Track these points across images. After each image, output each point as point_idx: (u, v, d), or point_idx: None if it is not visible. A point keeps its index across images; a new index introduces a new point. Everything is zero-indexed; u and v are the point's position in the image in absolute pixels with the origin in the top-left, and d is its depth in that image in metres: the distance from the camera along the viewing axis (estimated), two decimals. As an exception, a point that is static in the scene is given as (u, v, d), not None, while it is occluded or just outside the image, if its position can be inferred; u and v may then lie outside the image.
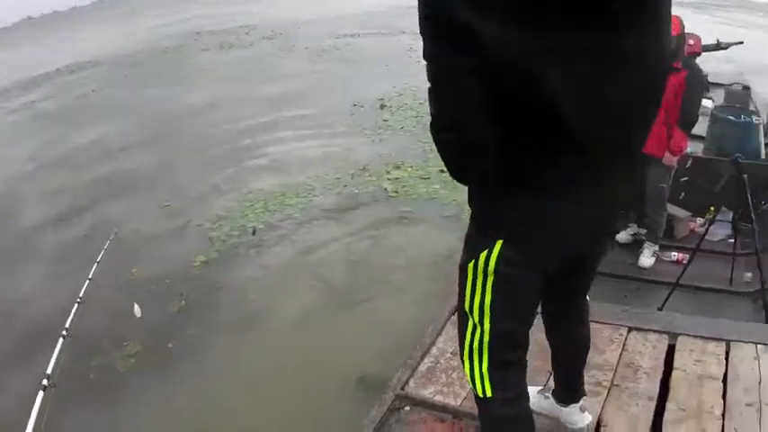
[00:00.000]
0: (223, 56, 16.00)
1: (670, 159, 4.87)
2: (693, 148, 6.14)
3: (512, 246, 1.74)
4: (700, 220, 5.77)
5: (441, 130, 1.61)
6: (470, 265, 1.79)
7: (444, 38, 1.45)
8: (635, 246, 5.54)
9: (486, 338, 1.86)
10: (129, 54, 16.52)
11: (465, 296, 1.85)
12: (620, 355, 3.23)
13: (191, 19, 22.39)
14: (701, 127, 6.23)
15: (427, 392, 2.88)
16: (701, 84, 4.93)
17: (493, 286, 1.79)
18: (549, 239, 1.78)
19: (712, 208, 5.41)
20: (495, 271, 1.76)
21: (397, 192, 7.21)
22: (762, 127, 6.13)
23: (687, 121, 4.77)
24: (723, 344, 3.23)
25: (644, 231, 5.46)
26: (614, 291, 4.95)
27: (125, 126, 10.36)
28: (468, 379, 1.95)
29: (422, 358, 3.11)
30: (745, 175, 4.11)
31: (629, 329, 3.40)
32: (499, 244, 1.74)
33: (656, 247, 5.35)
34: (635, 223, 5.58)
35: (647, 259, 5.34)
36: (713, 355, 3.16)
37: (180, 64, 15.29)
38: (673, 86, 4.52)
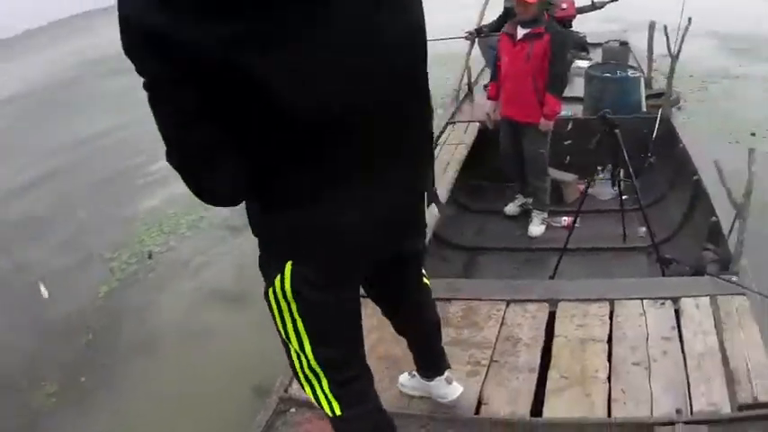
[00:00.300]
0: (128, 81, 15.10)
1: (546, 124, 4.72)
2: (574, 110, 5.97)
3: (302, 266, 1.59)
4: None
5: (167, 151, 1.40)
6: (270, 293, 1.65)
7: (144, 51, 1.25)
8: (524, 216, 5.37)
9: (314, 364, 1.73)
10: (34, 90, 15.65)
11: (277, 325, 1.71)
12: (499, 330, 2.98)
13: (93, 47, 21.41)
14: (580, 88, 6.11)
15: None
16: (566, 46, 4.82)
17: (299, 312, 1.65)
18: (338, 253, 1.61)
19: (599, 167, 5.18)
20: (295, 295, 1.61)
21: None
22: (642, 80, 5.97)
23: (556, 85, 4.62)
24: (606, 304, 3.01)
25: (531, 200, 5.22)
26: (505, 264, 4.82)
27: (23, 165, 10.03)
28: (314, 401, 1.82)
29: None
30: (618, 131, 3.85)
31: (508, 303, 3.14)
32: (289, 266, 1.59)
33: (545, 215, 5.20)
34: (520, 194, 5.34)
35: (536, 228, 5.17)
36: (596, 317, 2.92)
37: (81, 94, 14.62)
38: (537, 52, 4.47)
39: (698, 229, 4.15)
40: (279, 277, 1.60)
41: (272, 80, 1.28)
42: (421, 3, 1.53)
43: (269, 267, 1.64)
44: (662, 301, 2.91)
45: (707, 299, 2.87)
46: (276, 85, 1.29)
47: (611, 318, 2.88)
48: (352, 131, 1.44)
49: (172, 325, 5.32)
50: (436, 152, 5.45)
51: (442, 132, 5.92)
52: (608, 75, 5.80)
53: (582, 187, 5.39)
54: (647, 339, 2.70)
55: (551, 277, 4.26)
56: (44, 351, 5.10)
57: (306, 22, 1.28)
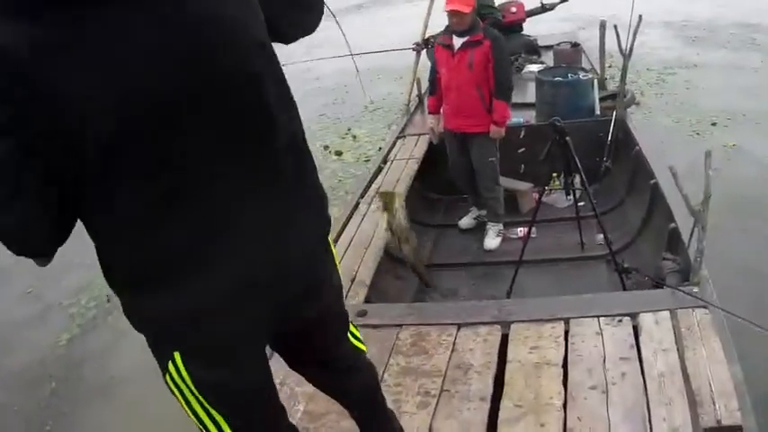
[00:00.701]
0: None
1: (497, 131, 4.61)
2: (526, 116, 5.85)
3: (185, 350, 1.40)
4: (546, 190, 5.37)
5: None
6: (168, 380, 1.46)
7: None
8: (479, 229, 5.22)
9: None
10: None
11: (187, 412, 1.53)
12: (450, 356, 2.79)
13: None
14: (532, 94, 6.00)
15: None
16: (507, 50, 4.78)
17: (202, 394, 1.47)
18: (208, 336, 1.41)
19: (555, 175, 5.04)
20: (193, 379, 1.43)
21: None
22: (595, 82, 5.86)
23: (503, 90, 4.51)
24: (561, 323, 2.84)
25: (485, 213, 5.11)
26: (461, 280, 4.65)
27: None
28: None
29: None
30: (569, 138, 3.72)
31: (458, 327, 2.97)
32: (175, 352, 1.40)
33: (500, 226, 5.05)
34: (474, 206, 5.20)
35: (491, 240, 5.01)
36: (551, 338, 2.75)
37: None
38: (479, 60, 4.39)
39: (657, 236, 4.03)
40: (171, 364, 1.41)
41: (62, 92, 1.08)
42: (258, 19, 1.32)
43: (156, 352, 1.45)
44: (619, 317, 2.75)
45: (666, 313, 2.72)
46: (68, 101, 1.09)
47: (566, 338, 2.72)
48: (172, 170, 1.22)
49: (132, 367, 5.13)
50: (386, 167, 5.27)
51: (392, 147, 5.75)
52: (559, 78, 5.69)
53: (537, 196, 5.26)
54: (605, 361, 2.54)
55: (508, 291, 4.13)
56: (7, 403, 5.04)
57: (105, 28, 1.10)
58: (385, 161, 5.50)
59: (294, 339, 1.67)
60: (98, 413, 4.76)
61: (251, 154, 1.31)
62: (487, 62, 4.32)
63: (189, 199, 1.24)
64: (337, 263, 1.72)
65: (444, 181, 5.50)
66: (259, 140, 1.32)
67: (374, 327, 3.09)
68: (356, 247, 4.07)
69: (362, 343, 1.90)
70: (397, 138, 5.97)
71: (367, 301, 3.53)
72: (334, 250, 1.68)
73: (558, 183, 5.14)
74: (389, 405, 2.50)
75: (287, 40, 1.50)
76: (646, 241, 4.33)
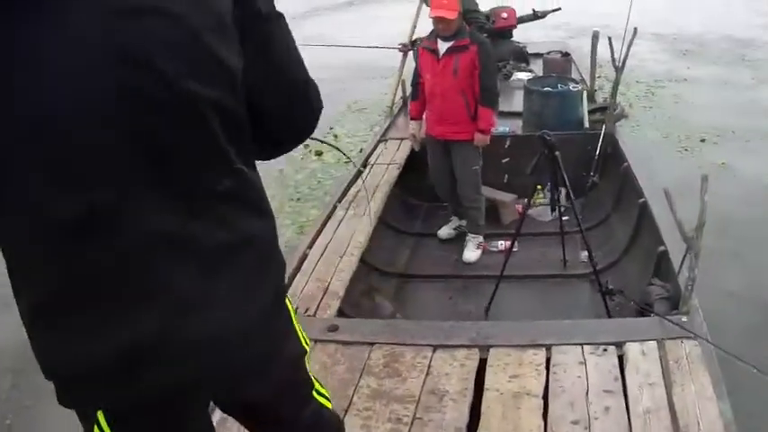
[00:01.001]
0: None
1: (482, 139, 4.48)
2: (513, 126, 5.72)
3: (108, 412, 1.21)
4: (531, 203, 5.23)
5: None
6: None
7: None
8: (459, 240, 5.05)
9: None
10: None
11: None
12: (424, 381, 2.64)
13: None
14: (519, 103, 5.86)
15: None
16: (494, 56, 4.62)
17: None
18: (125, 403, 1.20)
19: (539, 187, 4.91)
20: None
21: None
22: (585, 94, 5.73)
23: (489, 97, 4.37)
24: (543, 350, 2.69)
25: (465, 223, 4.97)
26: (439, 293, 4.51)
27: None
28: None
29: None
30: (558, 153, 3.58)
31: (435, 348, 2.80)
32: (99, 412, 1.21)
33: (480, 238, 4.89)
34: (455, 216, 5.06)
35: (471, 252, 4.85)
36: (531, 365, 2.61)
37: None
38: (465, 65, 4.25)
39: (644, 257, 3.91)
40: (96, 427, 1.22)
41: None
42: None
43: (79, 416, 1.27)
44: (604, 346, 2.61)
45: (653, 343, 2.59)
46: None
47: (547, 367, 2.58)
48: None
49: None
50: (366, 172, 5.11)
51: (373, 150, 5.59)
52: (548, 89, 5.57)
53: (521, 208, 5.12)
54: (588, 393, 2.40)
55: (487, 308, 4.02)
56: None
57: None
58: (365, 165, 5.34)
59: (246, 410, 1.49)
60: (59, 408, 4.56)
61: (185, 195, 1.11)
62: (473, 68, 4.20)
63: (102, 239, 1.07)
64: (298, 329, 1.49)
65: (425, 187, 5.35)
66: (197, 180, 1.13)
67: (345, 344, 2.94)
68: (330, 254, 3.91)
69: (328, 399, 1.66)
70: (379, 141, 5.82)
71: (340, 313, 3.37)
72: (291, 312, 1.46)
73: (542, 195, 5.02)
74: (358, 426, 2.36)
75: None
76: (632, 261, 4.20)
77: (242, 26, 1.13)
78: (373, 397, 2.57)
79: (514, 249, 4.32)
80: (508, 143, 5.35)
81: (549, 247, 4.71)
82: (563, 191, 4.01)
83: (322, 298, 3.42)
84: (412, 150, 5.40)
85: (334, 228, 4.28)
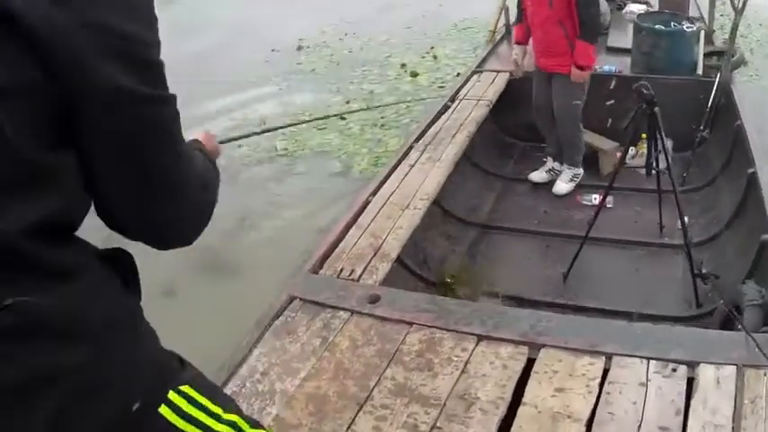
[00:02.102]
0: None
1: (578, 75, 4.10)
2: (621, 64, 5.11)
3: None
4: (632, 151, 4.69)
5: None
6: None
7: None
8: (551, 187, 4.72)
9: None
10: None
11: None
12: (457, 380, 2.33)
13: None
14: (630, 38, 5.23)
15: None
16: None
17: None
18: None
19: (644, 136, 4.36)
20: None
21: (287, 149, 6.63)
22: (701, 35, 5.01)
23: (586, 30, 3.98)
24: (601, 360, 2.32)
25: (561, 165, 4.67)
26: (517, 250, 4.25)
27: None
28: None
29: (227, 381, 2.43)
30: (657, 109, 3.11)
31: (478, 340, 2.47)
32: None
33: (576, 171, 4.59)
34: (550, 156, 4.72)
35: (563, 184, 4.59)
36: (583, 379, 2.25)
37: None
38: None
39: (745, 240, 3.42)
40: None
41: None
42: None
43: None
44: (674, 365, 2.20)
45: (732, 369, 2.16)
46: None
47: (601, 383, 2.21)
48: None
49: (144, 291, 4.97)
50: (453, 106, 4.70)
51: (465, 82, 5.13)
52: (660, 27, 4.89)
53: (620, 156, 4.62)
54: (640, 428, 2.01)
55: (565, 274, 3.72)
56: None
57: None
58: (453, 99, 4.91)
59: None
60: None
61: None
62: None
63: None
64: None
65: (522, 124, 5.02)
66: None
67: (382, 320, 2.66)
68: (393, 205, 3.59)
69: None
70: (473, 72, 5.34)
71: (390, 277, 3.08)
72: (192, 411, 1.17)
73: (644, 147, 4.47)
74: (368, 427, 2.13)
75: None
76: (732, 240, 3.71)
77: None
78: (396, 393, 2.30)
79: (608, 206, 3.91)
80: (613, 84, 4.80)
81: (645, 206, 4.25)
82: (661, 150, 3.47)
83: (371, 259, 3.14)
84: (510, 84, 4.98)
85: (404, 172, 3.94)
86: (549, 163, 4.78)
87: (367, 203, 3.66)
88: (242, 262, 5.01)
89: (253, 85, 8.56)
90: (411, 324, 2.61)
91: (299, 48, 9.69)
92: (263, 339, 2.66)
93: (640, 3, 6.43)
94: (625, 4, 6.38)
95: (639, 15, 5.24)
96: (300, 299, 2.86)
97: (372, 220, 3.46)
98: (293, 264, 3.29)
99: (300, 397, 2.33)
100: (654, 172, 3.84)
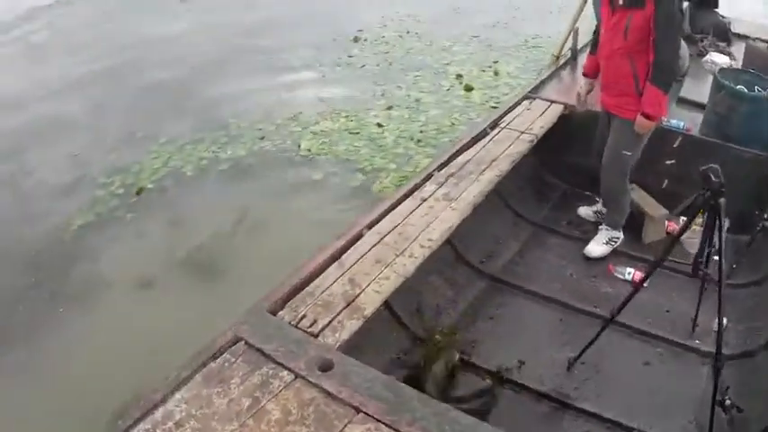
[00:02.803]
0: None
1: (643, 125, 3.57)
2: (690, 121, 4.51)
3: None
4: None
5: None
6: None
7: None
8: (580, 246, 4.22)
9: None
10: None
11: None
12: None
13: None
14: (707, 92, 4.63)
15: None
16: (674, 21, 3.50)
17: None
18: None
19: (702, 212, 3.78)
20: None
21: (310, 150, 6.26)
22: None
23: (658, 75, 3.42)
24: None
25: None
26: (527, 317, 3.71)
27: (77, 62, 9.49)
28: None
29: (138, 421, 2.15)
30: (723, 201, 2.56)
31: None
32: None
33: (614, 234, 4.10)
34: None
35: (596, 246, 4.10)
36: None
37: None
38: (637, 25, 3.37)
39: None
40: None
41: None
42: None
43: None
44: None
45: None
46: None
47: None
48: None
49: (123, 279, 4.89)
50: (493, 134, 4.26)
51: (512, 108, 4.60)
52: (742, 88, 4.23)
53: (672, 227, 4.07)
54: None
55: (572, 362, 3.25)
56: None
57: None
58: (495, 125, 4.39)
59: None
60: (77, 318, 4.51)
61: None
62: (647, 32, 3.36)
63: None
64: None
65: (569, 164, 4.57)
66: None
67: (326, 394, 2.22)
68: (387, 247, 3.10)
69: None
70: (525, 97, 4.79)
71: (349, 343, 2.60)
72: None
73: (699, 223, 3.89)
74: None
75: None
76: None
77: None
78: None
79: (644, 285, 3.29)
80: (678, 142, 4.23)
81: (684, 294, 3.68)
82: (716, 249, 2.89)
83: (341, 311, 2.69)
84: (563, 118, 4.49)
85: (413, 206, 3.45)
86: (599, 204, 4.32)
87: (359, 237, 3.19)
88: (227, 268, 4.73)
89: (295, 71, 8.28)
90: (357, 411, 2.15)
91: (356, 39, 9.30)
92: (191, 381, 2.30)
93: (724, 53, 5.76)
94: (707, 52, 5.73)
95: (721, 70, 4.57)
96: (246, 342, 2.45)
97: (358, 261, 2.99)
98: (268, 288, 2.87)
99: None
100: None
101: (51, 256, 5.17)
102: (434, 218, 3.33)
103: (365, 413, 2.12)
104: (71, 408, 3.70)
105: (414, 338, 3.49)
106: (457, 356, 3.30)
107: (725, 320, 3.21)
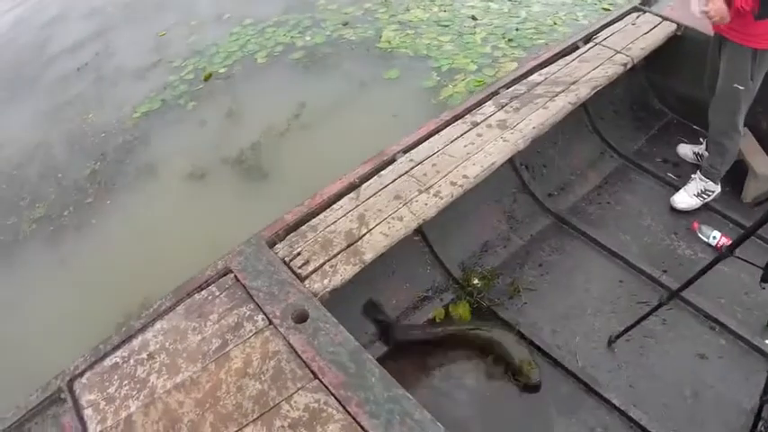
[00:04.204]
0: None
1: (750, 40, 3.13)
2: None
3: None
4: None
5: None
6: None
7: None
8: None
9: None
10: None
11: None
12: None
13: None
14: None
15: (88, 398, 2.20)
16: None
17: None
18: None
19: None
20: None
21: (390, 43, 6.03)
22: None
23: None
24: None
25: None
26: (595, 270, 3.44)
27: None
28: None
29: (118, 346, 2.35)
30: None
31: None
32: None
33: (712, 187, 3.72)
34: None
35: (686, 197, 3.76)
36: None
37: None
38: None
39: None
40: None
41: None
42: None
43: None
44: None
45: None
46: None
47: None
48: None
49: (172, 171, 5.11)
50: (584, 50, 3.88)
51: (615, 21, 4.15)
52: None
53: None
54: None
55: (612, 339, 3.00)
56: (58, 164, 5.41)
57: None
58: (588, 39, 3.99)
59: None
60: (130, 202, 4.83)
61: None
62: None
63: None
64: None
65: (679, 93, 4.18)
66: None
67: (290, 349, 2.19)
68: (414, 181, 2.91)
69: None
70: (634, 9, 4.29)
71: (335, 292, 2.50)
72: None
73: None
74: None
75: None
76: None
77: None
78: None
79: (734, 253, 2.89)
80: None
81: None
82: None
83: (339, 252, 2.57)
84: (673, 39, 3.97)
85: (463, 129, 3.21)
86: (701, 146, 3.92)
87: (390, 161, 3.02)
88: (271, 170, 4.80)
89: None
90: (314, 377, 2.08)
91: None
92: (173, 311, 2.40)
93: None
94: None
95: None
96: (235, 276, 2.46)
97: (376, 193, 2.82)
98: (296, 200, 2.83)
99: (160, 407, 2.09)
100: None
101: (111, 145, 5.45)
102: (479, 149, 3.05)
103: (320, 380, 2.05)
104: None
105: (446, 278, 3.35)
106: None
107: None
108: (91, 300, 4.08)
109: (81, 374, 2.28)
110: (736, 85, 3.30)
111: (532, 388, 2.87)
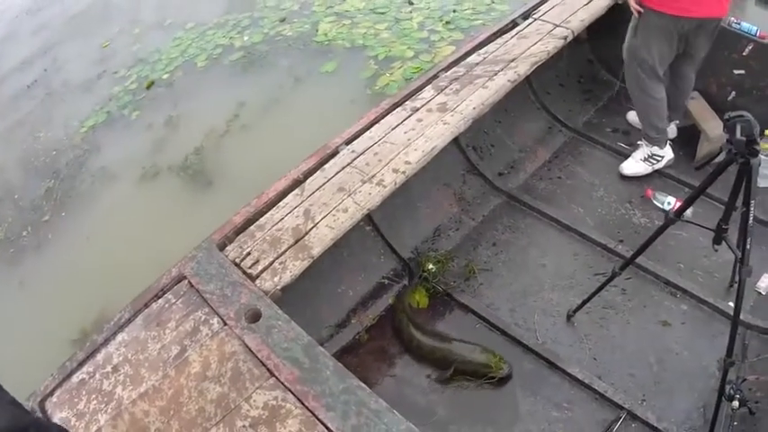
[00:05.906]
0: None
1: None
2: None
3: None
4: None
5: None
6: None
7: None
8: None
9: None
10: None
11: None
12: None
13: None
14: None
15: (60, 416, 2.33)
16: None
17: None
18: None
19: (766, 133, 3.60)
20: None
21: (326, 35, 6.28)
22: None
23: None
24: None
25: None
26: (550, 246, 3.66)
27: None
28: None
29: (82, 363, 2.49)
30: (756, 160, 2.25)
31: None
32: None
33: (658, 152, 3.92)
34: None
35: (633, 163, 3.99)
36: None
37: None
38: None
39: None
40: None
41: None
42: None
43: None
44: None
45: None
46: None
47: None
48: None
49: (119, 190, 5.29)
50: (523, 26, 4.10)
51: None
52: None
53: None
54: None
55: (571, 314, 3.22)
56: (13, 187, 5.65)
57: None
58: (527, 16, 4.19)
59: None
60: (83, 216, 5.04)
61: None
62: None
63: None
64: None
65: (622, 63, 4.23)
66: None
67: (245, 349, 2.37)
68: (358, 171, 3.10)
69: None
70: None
71: (289, 287, 2.69)
72: None
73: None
74: None
75: None
76: None
77: None
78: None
79: (685, 215, 3.02)
80: (748, 50, 3.94)
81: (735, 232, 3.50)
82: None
83: (288, 249, 2.77)
84: (617, 7, 4.17)
85: (403, 117, 3.40)
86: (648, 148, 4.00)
87: (333, 155, 3.21)
88: (213, 174, 5.02)
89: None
90: (271, 374, 2.28)
91: None
92: (133, 323, 2.57)
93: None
94: None
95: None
96: (189, 282, 2.64)
97: (320, 187, 3.01)
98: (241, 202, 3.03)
99: (126, 418, 2.23)
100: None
101: (64, 162, 5.67)
102: (420, 134, 3.25)
103: (277, 378, 2.24)
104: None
105: (397, 263, 3.57)
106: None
107: (763, 290, 3.14)
108: (50, 318, 4.28)
109: (51, 393, 2.42)
110: (631, 42, 3.61)
111: (506, 378, 3.04)
